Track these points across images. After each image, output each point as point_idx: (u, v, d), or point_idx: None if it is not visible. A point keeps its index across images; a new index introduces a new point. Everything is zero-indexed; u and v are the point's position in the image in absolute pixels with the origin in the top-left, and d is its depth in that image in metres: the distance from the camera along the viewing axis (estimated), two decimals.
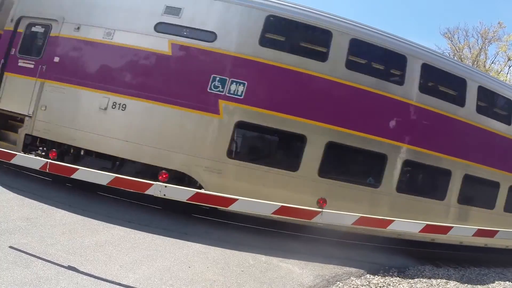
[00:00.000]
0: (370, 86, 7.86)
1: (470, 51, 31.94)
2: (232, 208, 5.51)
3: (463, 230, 6.56)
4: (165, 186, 5.37)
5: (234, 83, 7.38)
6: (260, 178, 7.41)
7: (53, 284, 4.10)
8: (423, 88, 8.27)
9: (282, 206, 5.55)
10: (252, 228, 7.67)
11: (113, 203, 7.54)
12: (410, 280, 6.52)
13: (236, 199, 5.47)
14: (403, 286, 6.17)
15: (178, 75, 7.52)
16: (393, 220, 5.90)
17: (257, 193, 6.80)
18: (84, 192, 7.64)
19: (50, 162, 5.78)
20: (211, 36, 7.53)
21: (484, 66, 30.52)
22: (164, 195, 5.39)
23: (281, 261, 6.25)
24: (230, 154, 7.40)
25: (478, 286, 6.99)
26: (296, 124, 7.48)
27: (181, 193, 5.54)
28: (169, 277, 4.85)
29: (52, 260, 4.62)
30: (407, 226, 6.16)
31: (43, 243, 5.06)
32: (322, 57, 7.84)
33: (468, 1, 51.94)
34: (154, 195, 5.43)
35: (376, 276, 6.48)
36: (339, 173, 7.90)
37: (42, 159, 5.95)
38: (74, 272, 4.48)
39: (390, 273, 6.75)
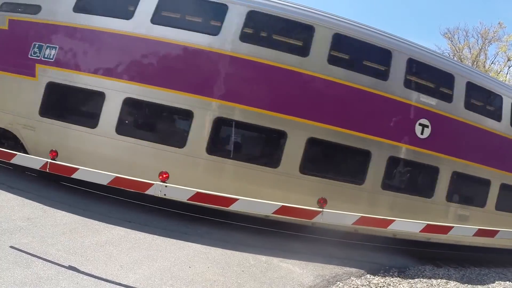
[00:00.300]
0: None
1: (470, 52, 32.03)
2: (233, 208, 5.52)
3: (463, 230, 6.56)
4: (165, 186, 5.38)
5: (49, 48, 8.16)
6: (66, 135, 7.83)
7: (53, 284, 4.11)
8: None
9: (283, 206, 5.56)
10: (252, 228, 7.66)
11: (113, 203, 7.53)
12: (410, 280, 6.52)
13: (237, 199, 5.47)
14: (403, 286, 6.18)
15: (12, 46, 8.54)
16: (394, 220, 5.91)
17: (67, 148, 7.36)
18: (84, 192, 7.64)
19: (50, 162, 5.80)
20: (37, 9, 8.47)
21: (484, 67, 30.57)
22: (165, 195, 5.41)
23: (282, 261, 6.25)
24: (41, 112, 7.99)
25: (479, 286, 7.00)
26: (96, 82, 7.84)
27: (181, 193, 5.54)
28: (170, 277, 4.86)
29: (52, 260, 4.63)
30: (407, 226, 6.16)
31: (44, 243, 5.07)
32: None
33: (468, 1, 52.10)
34: (154, 195, 5.43)
35: (377, 276, 6.48)
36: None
37: (42, 159, 5.96)
38: (75, 272, 4.48)
39: (391, 273, 6.75)
